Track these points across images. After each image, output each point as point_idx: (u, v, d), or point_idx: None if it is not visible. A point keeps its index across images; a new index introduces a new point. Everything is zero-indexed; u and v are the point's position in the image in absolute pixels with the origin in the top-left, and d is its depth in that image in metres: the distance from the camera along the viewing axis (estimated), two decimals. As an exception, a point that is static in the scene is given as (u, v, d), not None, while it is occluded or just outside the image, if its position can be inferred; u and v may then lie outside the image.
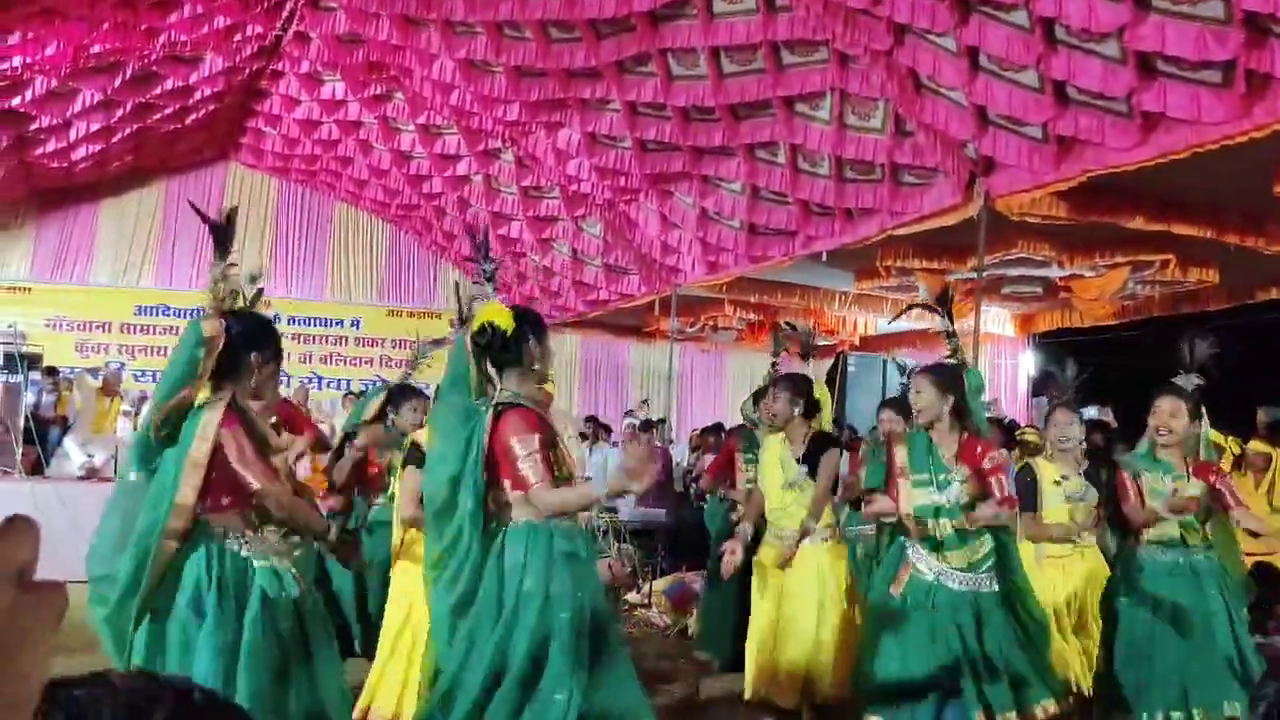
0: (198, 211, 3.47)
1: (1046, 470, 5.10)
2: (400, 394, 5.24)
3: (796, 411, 5.12)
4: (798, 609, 5.05)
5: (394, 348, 14.54)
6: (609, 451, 11.56)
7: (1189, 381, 4.42)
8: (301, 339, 14.57)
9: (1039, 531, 4.91)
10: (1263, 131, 4.91)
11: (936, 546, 4.17)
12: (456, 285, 4.55)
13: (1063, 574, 5.01)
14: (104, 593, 3.05)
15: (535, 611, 3.21)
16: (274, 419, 3.64)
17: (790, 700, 5.03)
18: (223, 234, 3.33)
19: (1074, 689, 4.87)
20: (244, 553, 3.15)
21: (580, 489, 3.52)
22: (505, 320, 3.41)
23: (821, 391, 5.32)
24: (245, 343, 3.23)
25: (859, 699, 4.38)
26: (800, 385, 5.29)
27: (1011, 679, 4.01)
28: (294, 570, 3.22)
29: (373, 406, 5.19)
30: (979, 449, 4.17)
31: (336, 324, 14.89)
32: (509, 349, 3.45)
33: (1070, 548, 5.05)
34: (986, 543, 4.15)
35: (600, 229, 11.10)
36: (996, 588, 4.14)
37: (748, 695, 5.19)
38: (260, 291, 3.61)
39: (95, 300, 13.82)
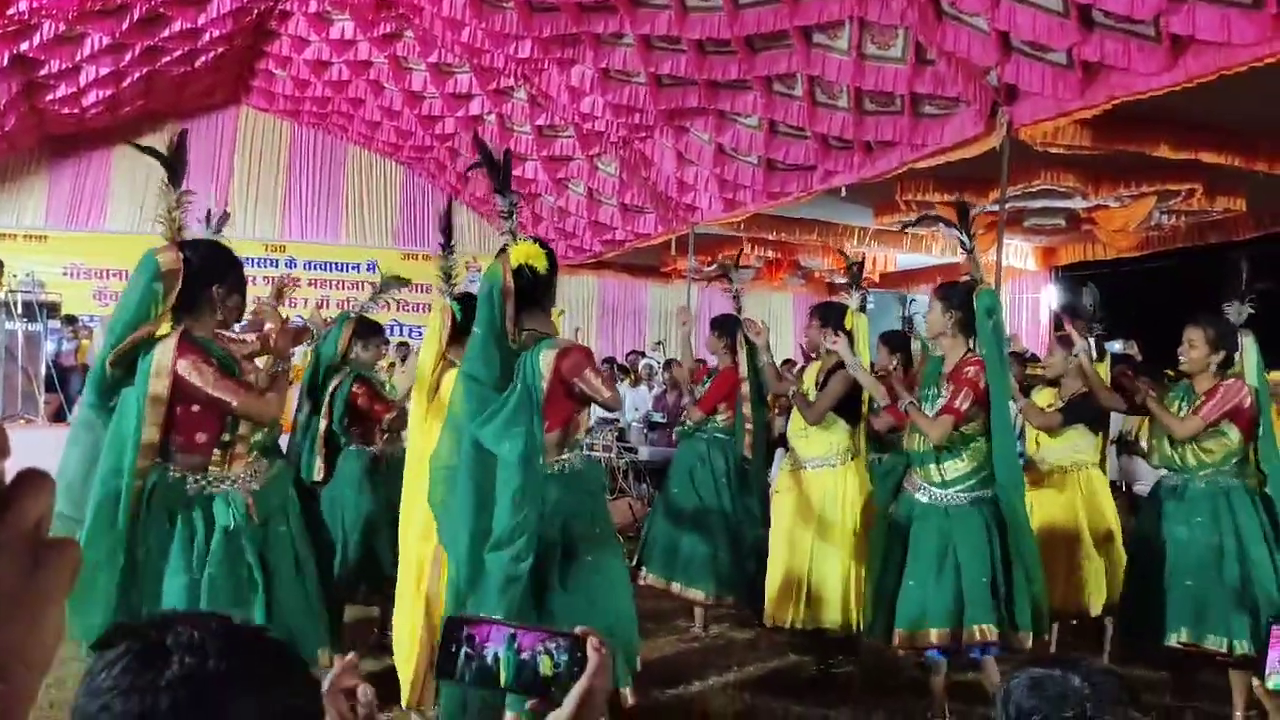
0: (147, 151, 3.34)
1: (1041, 396, 5.50)
2: (370, 330, 5.26)
3: (825, 339, 5.11)
4: (799, 529, 5.16)
5: (411, 292, 14.52)
6: (627, 391, 11.60)
7: (1239, 312, 4.42)
8: (317, 284, 14.58)
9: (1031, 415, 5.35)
10: (1293, 53, 4.77)
11: (920, 463, 4.34)
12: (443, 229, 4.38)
13: (1037, 501, 5.14)
14: (70, 532, 3.03)
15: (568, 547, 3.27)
16: (252, 349, 3.56)
17: (786, 617, 5.16)
18: (175, 162, 3.23)
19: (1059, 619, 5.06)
20: (207, 492, 3.14)
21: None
22: (541, 261, 3.38)
23: (858, 321, 5.26)
24: (205, 275, 3.14)
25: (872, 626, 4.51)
26: (830, 314, 5.28)
27: (959, 595, 4.11)
28: (249, 498, 3.19)
29: (343, 338, 5.16)
30: (968, 366, 4.18)
31: (353, 268, 14.88)
32: (541, 289, 3.43)
33: (1044, 465, 5.29)
34: (964, 462, 4.23)
35: (616, 168, 10.98)
36: (971, 505, 4.20)
37: (766, 619, 5.29)
38: (226, 217, 3.54)
39: (111, 247, 13.80)
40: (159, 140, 3.41)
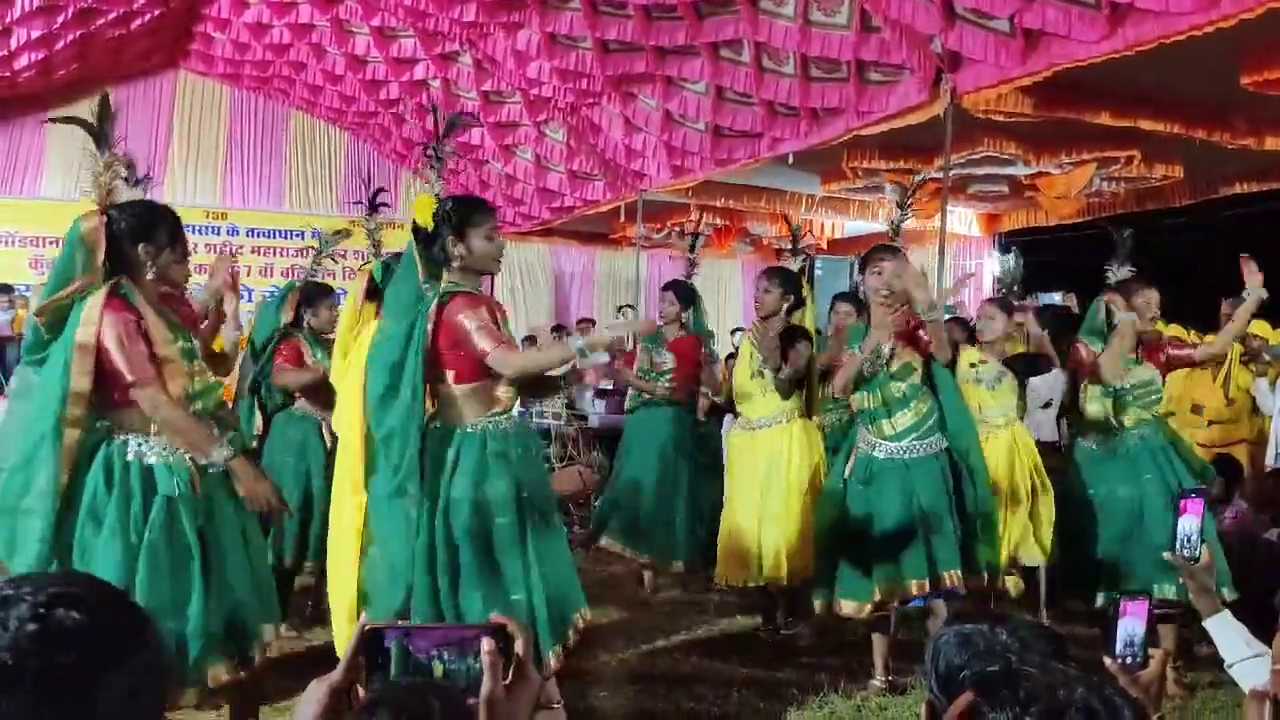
0: (72, 120, 3.32)
1: (967, 354, 5.57)
2: (315, 293, 5.21)
3: (786, 305, 5.18)
4: (747, 490, 5.20)
5: (356, 259, 14.35)
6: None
7: (1121, 273, 4.64)
8: (261, 251, 14.34)
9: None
10: (1230, 21, 4.83)
11: (871, 420, 4.41)
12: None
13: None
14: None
15: (467, 516, 3.26)
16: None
17: (739, 577, 5.22)
18: (101, 125, 3.21)
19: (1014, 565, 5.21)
20: (147, 459, 3.10)
21: (552, 349, 3.58)
22: (425, 217, 3.35)
23: (806, 289, 5.35)
24: (130, 235, 3.13)
25: (816, 582, 4.59)
26: (789, 279, 5.35)
27: (929, 545, 4.22)
28: (190, 465, 3.15)
29: (288, 307, 5.10)
30: (911, 322, 4.35)
31: (297, 235, 14.60)
32: (431, 246, 3.41)
33: (984, 428, 5.29)
34: (912, 412, 4.33)
35: (563, 134, 10.89)
36: (929, 453, 4.29)
37: (716, 579, 5.36)
38: (148, 179, 3.50)
39: (47, 214, 13.39)
40: (94, 106, 3.35)
